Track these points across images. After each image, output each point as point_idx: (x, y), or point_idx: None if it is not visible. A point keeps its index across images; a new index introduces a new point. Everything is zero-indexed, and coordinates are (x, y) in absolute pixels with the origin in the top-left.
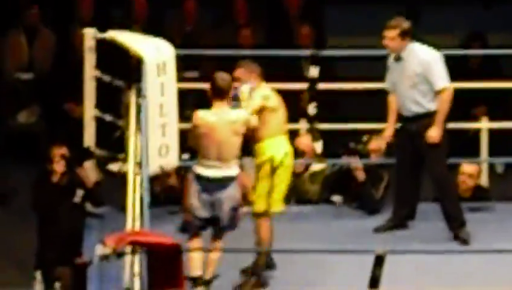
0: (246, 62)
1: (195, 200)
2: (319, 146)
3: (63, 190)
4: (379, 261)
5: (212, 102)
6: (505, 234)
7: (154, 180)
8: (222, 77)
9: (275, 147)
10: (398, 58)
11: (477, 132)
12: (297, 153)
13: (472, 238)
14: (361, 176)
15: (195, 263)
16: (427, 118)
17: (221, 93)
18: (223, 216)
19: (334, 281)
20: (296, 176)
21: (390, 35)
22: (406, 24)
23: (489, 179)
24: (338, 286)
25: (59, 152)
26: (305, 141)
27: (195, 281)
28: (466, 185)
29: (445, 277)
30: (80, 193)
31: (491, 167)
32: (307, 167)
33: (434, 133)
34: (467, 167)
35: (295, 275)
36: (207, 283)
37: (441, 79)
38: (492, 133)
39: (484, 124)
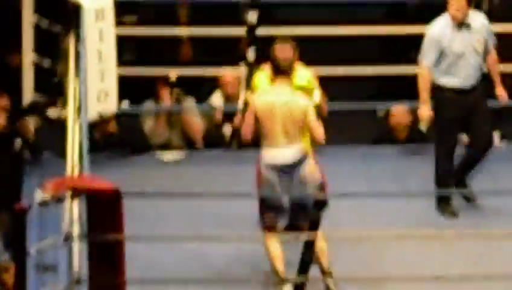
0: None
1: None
2: None
3: (1, 140)
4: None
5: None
6: None
7: (93, 126)
8: (283, 55)
9: None
10: (461, 26)
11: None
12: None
13: (412, 181)
14: None
15: (277, 262)
16: (482, 82)
17: (282, 72)
18: (307, 198)
19: None
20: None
21: (461, 3)
22: None
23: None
24: None
25: (0, 104)
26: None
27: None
28: (400, 127)
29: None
30: (18, 141)
31: None
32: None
33: (503, 92)
34: (397, 109)
35: None
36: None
37: (493, 37)
38: None
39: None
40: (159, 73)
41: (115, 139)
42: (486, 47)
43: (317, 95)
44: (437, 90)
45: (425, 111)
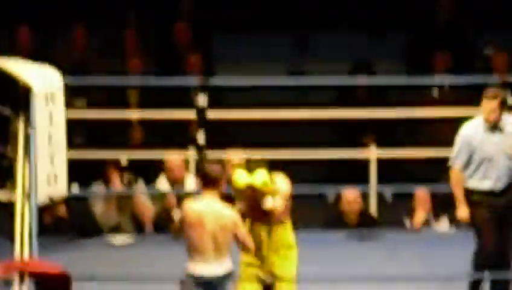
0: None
1: None
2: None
3: None
4: None
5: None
6: (394, 262)
7: (43, 210)
8: (211, 166)
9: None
10: (493, 129)
11: (365, 161)
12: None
13: (361, 266)
14: None
15: None
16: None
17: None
18: None
19: None
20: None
21: (492, 106)
22: (503, 93)
23: (377, 207)
24: None
25: None
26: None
27: None
28: (351, 212)
29: None
30: None
31: (380, 196)
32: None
33: None
34: (349, 193)
35: None
36: None
37: None
38: (380, 161)
39: (372, 153)
40: (109, 156)
41: (64, 223)
42: None
43: (275, 200)
44: (468, 193)
45: (463, 212)
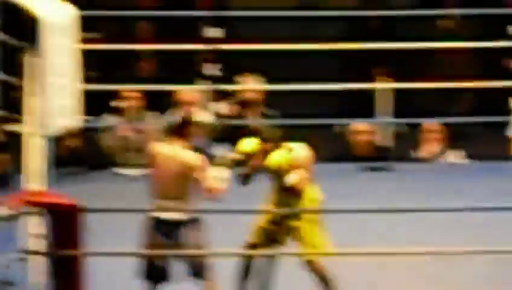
0: None
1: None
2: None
3: None
4: None
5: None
6: (404, 194)
7: (58, 142)
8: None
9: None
10: None
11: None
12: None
13: (372, 198)
14: None
15: None
16: None
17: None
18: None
19: None
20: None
21: None
22: None
23: (389, 139)
24: None
25: None
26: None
27: None
28: (361, 143)
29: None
30: None
31: (391, 128)
32: None
33: None
34: (358, 125)
35: None
36: None
37: None
38: (392, 93)
39: (384, 85)
40: (121, 89)
41: (79, 155)
42: None
43: (293, 177)
44: None
45: None
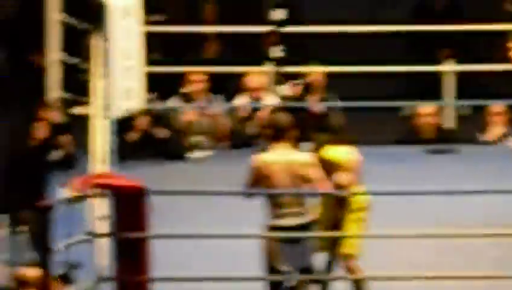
0: None
1: None
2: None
3: (39, 150)
4: None
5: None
6: (470, 176)
7: (128, 127)
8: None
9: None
10: None
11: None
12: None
13: (438, 180)
14: None
15: None
16: None
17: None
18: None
19: None
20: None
21: None
22: None
23: (454, 122)
24: None
25: (45, 117)
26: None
27: None
28: (428, 126)
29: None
30: (57, 154)
31: (456, 110)
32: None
33: None
34: (425, 108)
35: None
36: None
37: None
38: (457, 75)
39: (449, 67)
40: (186, 70)
41: (149, 136)
42: None
43: (345, 178)
44: None
45: None
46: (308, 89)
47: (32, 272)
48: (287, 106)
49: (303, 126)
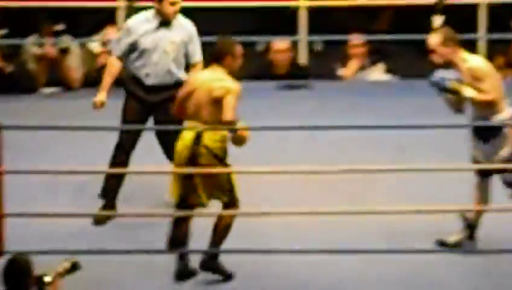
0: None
1: None
2: None
3: None
4: None
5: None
6: (326, 112)
7: None
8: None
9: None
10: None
11: (294, 10)
12: None
13: (292, 116)
14: None
15: None
16: None
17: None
18: None
19: None
20: None
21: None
22: None
23: (308, 57)
24: None
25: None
26: None
27: None
28: (281, 61)
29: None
30: None
31: (310, 45)
32: None
33: None
34: (278, 43)
35: None
36: None
37: None
38: (310, 10)
39: (303, 2)
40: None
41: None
42: None
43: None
44: None
45: None
46: None
47: None
48: None
49: None
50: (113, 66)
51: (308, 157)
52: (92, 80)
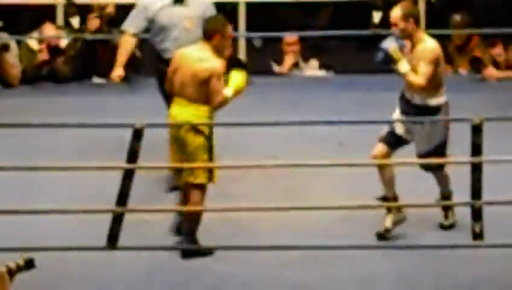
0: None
1: None
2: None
3: None
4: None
5: None
6: (264, 107)
7: None
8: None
9: None
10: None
11: (234, 6)
12: None
13: (233, 112)
14: None
15: None
16: None
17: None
18: None
19: None
20: None
21: None
22: None
23: (246, 53)
24: None
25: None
26: None
27: None
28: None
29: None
30: None
31: (248, 42)
32: None
33: None
34: None
35: None
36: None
37: None
38: (248, 6)
39: None
40: None
41: None
42: None
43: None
44: None
45: None
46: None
47: None
48: None
49: None
50: (128, 43)
51: (245, 151)
52: (31, 78)
